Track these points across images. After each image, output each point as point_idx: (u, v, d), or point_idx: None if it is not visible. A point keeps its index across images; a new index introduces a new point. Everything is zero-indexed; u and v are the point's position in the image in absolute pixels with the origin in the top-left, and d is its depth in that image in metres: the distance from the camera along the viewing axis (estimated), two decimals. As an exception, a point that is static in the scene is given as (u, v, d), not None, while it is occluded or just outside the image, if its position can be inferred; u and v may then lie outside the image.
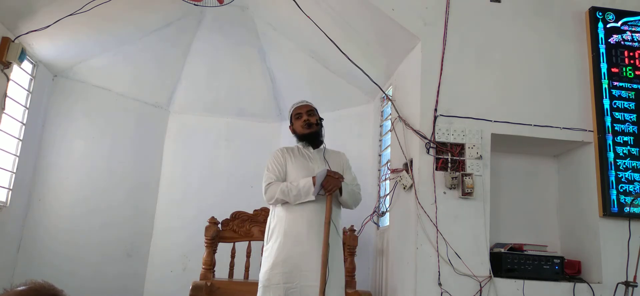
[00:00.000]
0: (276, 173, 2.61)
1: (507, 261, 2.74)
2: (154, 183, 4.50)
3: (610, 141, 2.87)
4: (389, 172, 3.32)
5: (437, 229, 2.69)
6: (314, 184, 2.45)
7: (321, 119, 2.77)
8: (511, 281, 2.69)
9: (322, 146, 2.73)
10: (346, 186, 2.57)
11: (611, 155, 2.85)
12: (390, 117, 3.45)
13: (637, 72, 3.00)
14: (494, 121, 2.89)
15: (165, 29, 3.94)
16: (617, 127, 2.90)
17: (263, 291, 2.48)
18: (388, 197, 3.30)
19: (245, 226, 3.44)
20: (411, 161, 2.92)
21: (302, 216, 2.50)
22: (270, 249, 2.54)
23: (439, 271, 2.66)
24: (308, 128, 2.69)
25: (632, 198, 2.79)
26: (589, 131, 2.94)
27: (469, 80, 2.95)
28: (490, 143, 2.86)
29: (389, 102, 3.37)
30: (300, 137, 2.74)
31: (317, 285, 2.36)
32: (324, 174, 2.45)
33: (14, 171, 3.42)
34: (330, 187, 2.46)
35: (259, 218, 3.47)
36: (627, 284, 2.68)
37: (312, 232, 2.46)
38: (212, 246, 3.32)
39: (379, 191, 3.64)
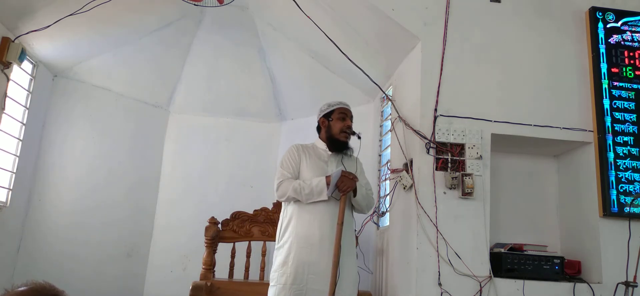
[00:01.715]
0: (290, 171, 2.54)
1: (507, 261, 2.74)
2: (154, 183, 4.50)
3: (610, 141, 2.87)
4: (389, 172, 3.32)
5: (437, 230, 2.69)
6: (328, 184, 2.41)
7: (358, 134, 2.65)
8: (511, 281, 2.69)
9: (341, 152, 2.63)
10: (361, 188, 2.53)
11: (611, 155, 2.85)
12: (390, 117, 3.45)
13: (637, 72, 3.00)
14: (494, 121, 2.89)
15: (165, 29, 3.94)
16: (617, 127, 2.90)
17: (271, 290, 2.46)
18: (388, 197, 3.30)
19: (245, 226, 3.44)
20: (411, 161, 2.93)
21: (314, 218, 2.46)
22: (281, 248, 2.50)
23: (439, 271, 2.66)
24: (345, 136, 2.59)
25: (632, 198, 2.79)
26: (589, 131, 2.94)
27: (469, 80, 2.95)
28: (490, 143, 2.86)
29: (389, 102, 3.37)
30: (331, 139, 2.61)
31: (326, 289, 2.33)
32: (339, 174, 2.42)
33: (14, 171, 3.42)
34: (345, 187, 2.42)
35: (259, 218, 3.47)
36: (627, 284, 2.68)
37: (324, 234, 2.43)
38: (212, 246, 3.32)
39: (379, 191, 3.64)
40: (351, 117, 2.67)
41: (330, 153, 2.62)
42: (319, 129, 2.71)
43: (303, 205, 2.48)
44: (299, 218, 2.49)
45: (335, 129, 2.60)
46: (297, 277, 2.39)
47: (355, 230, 3.32)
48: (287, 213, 2.56)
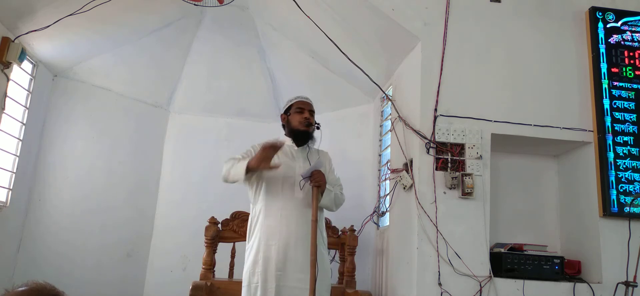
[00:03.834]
0: (242, 156, 2.54)
1: (507, 261, 2.74)
2: (154, 183, 4.50)
3: (610, 141, 2.87)
4: (389, 172, 3.32)
5: (437, 229, 2.70)
6: (249, 169, 2.38)
7: (318, 124, 2.72)
8: (511, 281, 2.69)
9: (306, 146, 2.70)
10: (329, 192, 2.54)
11: (611, 155, 2.85)
12: (390, 117, 3.45)
13: (637, 72, 3.00)
14: (494, 121, 2.89)
15: (165, 29, 3.94)
16: (617, 127, 2.90)
17: (245, 290, 2.46)
18: (388, 197, 3.30)
19: (245, 226, 3.42)
20: (411, 161, 2.93)
21: (281, 214, 2.48)
22: (250, 247, 2.52)
23: (439, 271, 2.66)
24: (306, 127, 2.65)
25: (632, 198, 2.79)
26: (589, 131, 2.94)
27: (469, 80, 2.95)
28: (490, 143, 2.86)
29: (389, 102, 3.37)
30: (293, 132, 2.68)
31: (298, 285, 2.36)
32: (315, 167, 2.46)
33: (14, 171, 3.42)
34: (319, 181, 2.44)
35: (259, 218, 3.46)
36: (627, 284, 2.68)
37: (291, 231, 2.45)
38: (212, 246, 3.32)
39: (379, 191, 3.64)
40: (311, 111, 2.70)
41: (296, 148, 2.67)
42: (284, 127, 2.77)
43: (271, 202, 2.50)
44: (266, 215, 2.50)
45: (294, 122, 2.67)
46: (268, 275, 2.41)
47: (350, 228, 3.36)
48: (255, 210, 2.57)
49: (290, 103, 2.74)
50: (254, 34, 4.12)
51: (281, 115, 2.77)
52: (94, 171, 4.06)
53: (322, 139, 2.73)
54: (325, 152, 2.81)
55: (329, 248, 2.87)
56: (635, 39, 3.06)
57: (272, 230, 2.47)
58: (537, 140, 2.95)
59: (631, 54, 3.02)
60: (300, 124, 2.65)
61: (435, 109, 2.86)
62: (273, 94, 4.57)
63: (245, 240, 3.43)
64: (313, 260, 2.33)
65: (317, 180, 2.44)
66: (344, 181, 2.82)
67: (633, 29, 3.07)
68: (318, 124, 2.70)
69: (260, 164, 2.36)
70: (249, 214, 3.44)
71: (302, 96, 2.76)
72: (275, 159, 2.51)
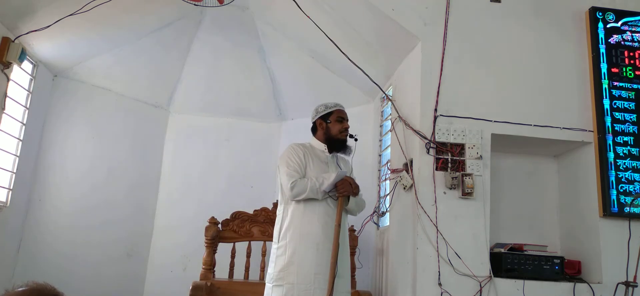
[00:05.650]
0: (298, 171, 2.51)
1: (507, 261, 2.74)
2: (154, 183, 4.50)
3: (610, 141, 2.87)
4: (389, 172, 3.32)
5: (437, 229, 2.70)
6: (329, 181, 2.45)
7: (355, 136, 2.71)
8: (511, 281, 2.69)
9: (335, 153, 2.68)
10: (357, 198, 2.58)
11: (611, 155, 2.85)
12: (390, 117, 3.45)
13: (637, 72, 3.00)
14: (494, 121, 2.89)
15: (165, 29, 3.94)
16: (617, 127, 2.90)
17: (275, 289, 2.44)
18: (388, 197, 3.30)
19: (245, 226, 3.44)
20: (411, 161, 2.93)
21: (317, 218, 2.48)
22: (284, 247, 2.48)
23: (439, 271, 2.66)
24: (345, 136, 2.65)
25: (632, 198, 2.79)
26: (589, 131, 2.94)
27: (469, 80, 2.95)
28: (490, 143, 2.87)
29: (389, 102, 3.37)
30: (331, 139, 2.64)
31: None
32: (341, 176, 2.48)
33: (14, 171, 3.42)
34: (343, 190, 2.47)
35: (259, 218, 3.47)
36: (627, 284, 2.68)
37: (326, 234, 2.45)
38: (212, 246, 3.32)
39: (379, 191, 3.64)
40: (347, 119, 2.70)
41: (328, 154, 2.65)
42: (314, 130, 2.72)
43: (304, 205, 2.49)
44: (301, 218, 2.49)
45: (335, 131, 2.64)
46: (304, 277, 2.40)
47: (350, 228, 3.37)
48: (287, 212, 2.54)
49: (330, 110, 2.66)
50: (254, 34, 4.12)
51: (317, 119, 2.67)
52: (94, 170, 4.06)
53: (357, 149, 2.69)
54: (348, 159, 2.76)
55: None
56: (635, 39, 3.06)
57: (307, 233, 2.46)
58: (537, 140, 2.95)
59: (631, 54, 3.02)
60: (341, 133, 2.64)
61: (435, 109, 2.86)
62: (273, 94, 4.57)
63: (245, 240, 3.46)
64: (333, 261, 2.36)
65: (340, 191, 2.48)
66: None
67: (633, 29, 3.07)
68: (356, 136, 2.66)
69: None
70: (248, 214, 3.47)
71: (340, 104, 2.71)
72: (310, 164, 2.55)
